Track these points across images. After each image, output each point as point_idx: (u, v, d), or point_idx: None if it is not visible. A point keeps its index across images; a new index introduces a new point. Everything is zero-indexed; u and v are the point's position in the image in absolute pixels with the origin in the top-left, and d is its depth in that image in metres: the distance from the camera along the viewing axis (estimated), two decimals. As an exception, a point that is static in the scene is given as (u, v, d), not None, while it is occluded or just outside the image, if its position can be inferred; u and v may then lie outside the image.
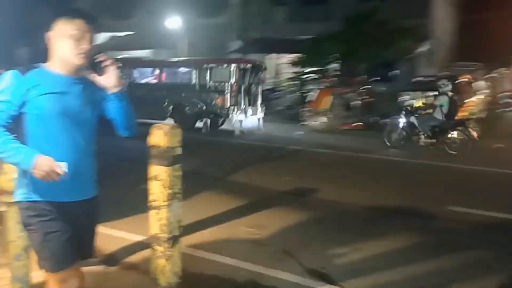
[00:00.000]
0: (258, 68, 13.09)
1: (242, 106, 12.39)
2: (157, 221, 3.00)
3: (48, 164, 1.93)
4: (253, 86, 12.84)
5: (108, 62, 2.12)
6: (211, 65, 12.63)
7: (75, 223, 2.17)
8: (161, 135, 2.89)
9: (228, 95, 12.17)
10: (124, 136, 2.35)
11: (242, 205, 5.52)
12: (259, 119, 12.89)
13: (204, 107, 12.45)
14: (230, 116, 12.23)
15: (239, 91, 12.33)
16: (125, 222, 4.61)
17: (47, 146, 2.05)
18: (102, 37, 21.78)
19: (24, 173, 2.07)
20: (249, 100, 12.62)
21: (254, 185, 6.67)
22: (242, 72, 12.42)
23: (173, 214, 3.00)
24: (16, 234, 2.80)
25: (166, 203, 2.96)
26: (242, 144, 11.02)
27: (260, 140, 11.49)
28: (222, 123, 13.02)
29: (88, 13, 2.15)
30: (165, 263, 3.02)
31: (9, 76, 2.02)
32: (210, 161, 8.43)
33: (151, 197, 3.02)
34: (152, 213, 3.02)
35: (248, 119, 12.54)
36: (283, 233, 4.60)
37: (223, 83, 12.22)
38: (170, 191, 2.95)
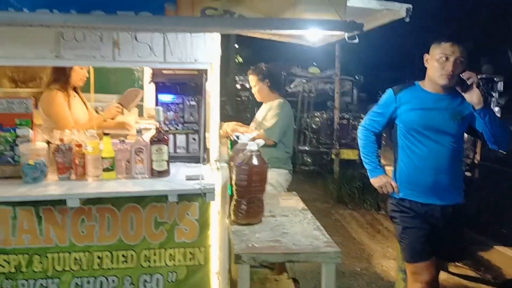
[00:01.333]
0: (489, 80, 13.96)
1: None
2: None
3: (377, 185, 2.53)
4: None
5: (471, 80, 2.25)
6: None
7: (434, 224, 2.41)
8: None
9: None
10: (496, 150, 2.39)
11: None
12: None
13: None
14: None
15: None
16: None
17: (410, 154, 2.41)
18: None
19: (394, 174, 2.51)
20: None
21: None
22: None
23: None
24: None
25: None
26: None
27: None
28: None
29: (456, 37, 2.35)
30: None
31: (387, 93, 2.51)
32: None
33: None
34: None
35: None
36: None
37: None
38: None
